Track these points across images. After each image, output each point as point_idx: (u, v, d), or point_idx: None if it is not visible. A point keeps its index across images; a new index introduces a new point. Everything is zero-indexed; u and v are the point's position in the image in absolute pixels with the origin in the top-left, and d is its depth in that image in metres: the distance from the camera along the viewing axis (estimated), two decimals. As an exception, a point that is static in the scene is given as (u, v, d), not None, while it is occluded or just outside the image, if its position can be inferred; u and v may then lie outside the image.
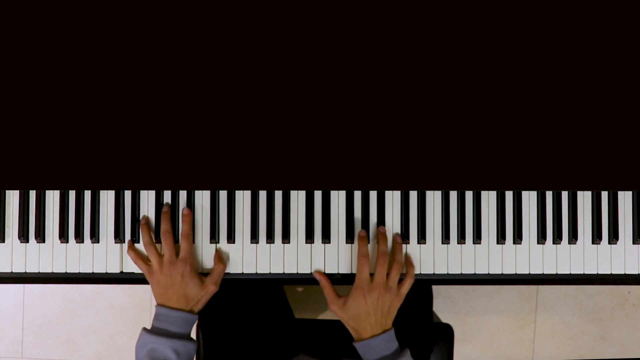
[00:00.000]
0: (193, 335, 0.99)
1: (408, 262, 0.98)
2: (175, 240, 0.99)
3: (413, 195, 1.00)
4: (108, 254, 1.00)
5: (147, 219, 0.99)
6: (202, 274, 0.98)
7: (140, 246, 1.00)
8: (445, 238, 1.00)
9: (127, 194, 1.01)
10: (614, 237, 1.00)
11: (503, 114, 0.90)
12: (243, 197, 1.01)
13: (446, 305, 1.73)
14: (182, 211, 0.99)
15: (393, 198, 1.00)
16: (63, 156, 0.90)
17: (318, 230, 1.00)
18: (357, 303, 0.93)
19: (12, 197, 1.01)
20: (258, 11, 0.88)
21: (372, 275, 0.95)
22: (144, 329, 0.93)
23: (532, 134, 0.90)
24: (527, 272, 1.00)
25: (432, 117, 0.90)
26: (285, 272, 1.00)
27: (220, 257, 0.99)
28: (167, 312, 0.93)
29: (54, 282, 1.02)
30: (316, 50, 0.89)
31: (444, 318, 1.71)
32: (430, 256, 1.00)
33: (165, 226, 0.97)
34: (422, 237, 0.99)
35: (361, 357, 0.93)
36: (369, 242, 0.99)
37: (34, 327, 1.79)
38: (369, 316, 0.92)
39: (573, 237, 1.00)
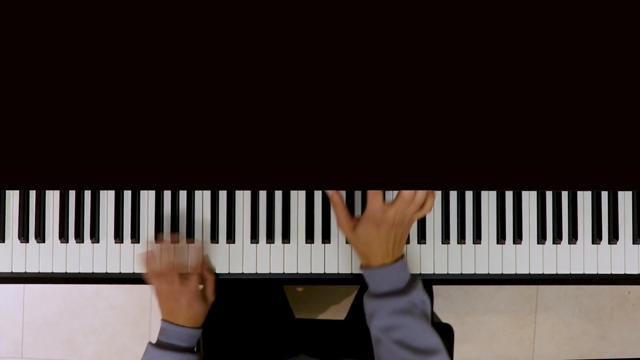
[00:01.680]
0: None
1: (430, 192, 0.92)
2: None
3: (413, 195, 1.00)
4: (108, 254, 1.00)
5: (153, 254, 0.97)
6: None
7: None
8: (445, 238, 1.00)
9: (127, 194, 1.01)
10: (614, 237, 1.00)
11: (503, 114, 0.90)
12: (243, 197, 1.01)
13: (446, 305, 1.73)
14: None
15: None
16: (63, 156, 0.90)
17: (318, 230, 1.00)
18: (368, 231, 0.88)
19: (12, 197, 1.01)
20: (258, 12, 0.88)
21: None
22: (150, 343, 0.94)
23: (532, 134, 0.90)
24: (527, 272, 1.00)
25: (432, 117, 0.90)
26: (285, 272, 1.00)
27: (208, 268, 0.99)
28: (173, 329, 0.94)
29: (54, 282, 1.02)
30: (316, 50, 0.89)
31: (444, 318, 1.71)
32: (430, 256, 1.00)
33: (166, 259, 0.96)
34: (422, 237, 0.99)
35: (367, 286, 0.89)
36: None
37: (34, 327, 1.79)
38: (380, 245, 0.88)
39: (573, 237, 1.00)
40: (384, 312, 0.86)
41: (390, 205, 0.89)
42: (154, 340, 0.95)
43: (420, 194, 0.91)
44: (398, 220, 0.88)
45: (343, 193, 1.00)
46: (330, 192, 0.95)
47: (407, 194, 0.89)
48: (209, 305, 0.99)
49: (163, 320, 0.96)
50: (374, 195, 0.90)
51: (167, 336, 0.94)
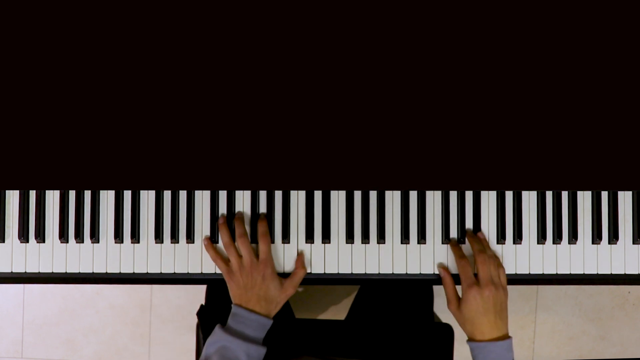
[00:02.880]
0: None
1: (494, 253, 0.97)
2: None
3: (413, 195, 1.00)
4: (108, 254, 1.00)
5: (224, 218, 0.99)
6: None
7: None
8: (445, 238, 1.00)
9: (127, 194, 1.01)
10: (614, 237, 1.00)
11: (503, 114, 0.90)
12: (243, 197, 1.01)
13: (446, 305, 1.73)
14: (259, 216, 0.99)
15: (393, 198, 1.00)
16: (63, 156, 0.90)
17: (318, 230, 1.00)
18: (470, 304, 0.91)
19: (12, 197, 1.01)
20: (258, 12, 0.88)
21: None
22: (220, 325, 0.92)
23: (532, 134, 0.90)
24: (527, 272, 1.00)
25: (432, 117, 0.90)
26: (286, 272, 1.00)
27: (303, 262, 0.98)
28: (245, 314, 0.92)
29: (54, 282, 1.02)
30: (316, 50, 0.89)
31: (444, 318, 1.71)
32: (430, 256, 1.00)
33: (240, 230, 0.97)
34: (422, 237, 0.99)
35: (472, 358, 0.92)
36: (368, 242, 0.99)
37: (34, 327, 1.79)
38: (483, 317, 0.91)
39: (573, 237, 1.00)
40: None
41: (478, 270, 0.93)
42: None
43: (487, 248, 0.97)
44: (490, 279, 0.92)
45: (343, 193, 1.00)
46: (443, 272, 0.98)
47: (479, 252, 0.95)
48: (286, 296, 0.96)
49: (234, 304, 0.94)
50: (463, 267, 0.94)
51: (237, 322, 0.92)
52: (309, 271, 1.00)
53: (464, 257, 0.95)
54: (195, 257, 1.00)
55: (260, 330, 0.93)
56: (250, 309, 0.93)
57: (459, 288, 0.96)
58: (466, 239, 0.98)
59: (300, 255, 0.99)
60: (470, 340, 0.92)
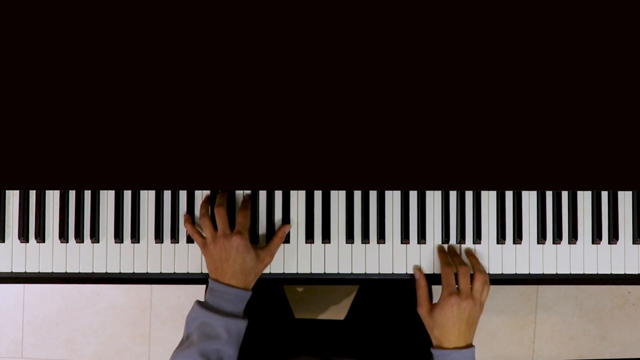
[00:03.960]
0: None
1: (483, 270, 0.97)
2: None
3: (413, 195, 1.00)
4: (108, 254, 1.00)
5: (208, 197, 0.99)
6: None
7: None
8: (445, 238, 1.00)
9: (127, 194, 1.01)
10: (614, 237, 1.00)
11: (503, 114, 0.90)
12: (243, 197, 1.01)
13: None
14: (243, 197, 0.99)
15: (393, 198, 1.00)
16: (63, 156, 0.90)
17: (318, 230, 1.00)
18: (445, 312, 0.92)
19: (12, 197, 1.01)
20: (258, 12, 0.88)
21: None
22: (197, 301, 0.92)
23: (532, 134, 0.90)
24: (527, 272, 1.00)
25: (432, 117, 0.90)
26: (286, 272, 1.00)
27: (282, 234, 0.98)
28: (220, 288, 0.91)
29: (54, 282, 1.02)
30: (316, 50, 0.89)
31: (444, 318, 1.71)
32: (430, 256, 1.00)
33: (219, 200, 0.96)
34: (422, 237, 0.99)
35: None
36: (368, 242, 0.99)
37: (34, 327, 1.79)
38: (454, 326, 0.92)
39: (573, 237, 1.00)
40: None
41: (459, 281, 0.94)
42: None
43: (476, 263, 0.97)
44: (470, 292, 0.93)
45: (343, 193, 1.00)
46: (418, 274, 0.98)
47: (461, 264, 0.96)
48: (264, 265, 0.95)
49: (211, 278, 0.94)
50: (447, 274, 0.95)
51: (214, 296, 0.91)
52: (309, 271, 1.00)
53: (450, 265, 0.96)
54: (195, 257, 1.00)
55: (239, 303, 0.92)
56: (227, 282, 0.92)
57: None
58: (465, 256, 0.99)
59: (284, 226, 0.99)
60: (436, 347, 0.93)
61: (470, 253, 0.99)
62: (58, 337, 1.79)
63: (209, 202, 0.99)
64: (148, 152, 0.90)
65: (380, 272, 1.00)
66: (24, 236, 1.00)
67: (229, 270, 0.92)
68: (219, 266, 0.93)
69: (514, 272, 1.00)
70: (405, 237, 0.99)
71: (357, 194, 1.00)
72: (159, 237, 1.00)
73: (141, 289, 1.77)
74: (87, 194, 1.01)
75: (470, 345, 0.93)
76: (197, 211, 1.00)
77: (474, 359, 0.94)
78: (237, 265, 0.92)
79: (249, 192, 1.00)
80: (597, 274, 1.00)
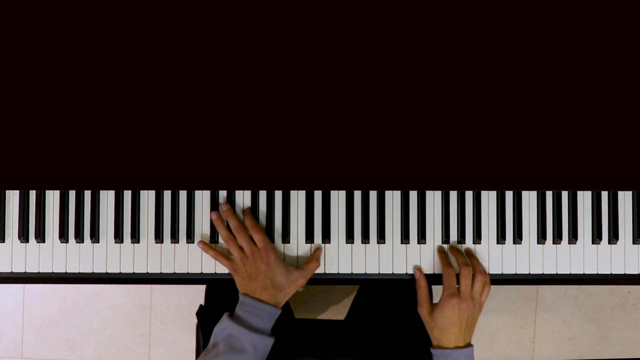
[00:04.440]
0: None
1: (484, 270, 0.97)
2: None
3: (413, 195, 1.00)
4: (108, 254, 1.00)
5: (217, 214, 0.99)
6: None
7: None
8: (445, 238, 1.00)
9: (127, 194, 1.01)
10: (614, 237, 1.00)
11: (503, 114, 0.90)
12: (243, 197, 1.01)
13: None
14: (244, 211, 0.99)
15: (393, 198, 1.00)
16: (63, 156, 0.90)
17: (318, 230, 1.00)
18: (446, 313, 0.93)
19: (12, 197, 1.01)
20: (257, 12, 0.88)
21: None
22: (228, 314, 0.92)
23: (532, 133, 0.90)
24: (527, 272, 1.00)
25: (432, 117, 0.90)
26: (285, 272, 1.00)
27: (318, 256, 0.98)
28: (251, 303, 0.92)
29: (54, 282, 1.02)
30: (316, 50, 0.89)
31: (444, 318, 1.71)
32: (430, 256, 1.00)
33: (234, 222, 0.97)
34: (422, 237, 0.99)
35: None
36: (368, 242, 0.99)
37: (34, 327, 1.79)
38: (454, 327, 0.93)
39: (573, 237, 1.00)
40: None
41: (460, 282, 0.95)
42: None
43: (477, 264, 0.97)
44: (470, 293, 0.94)
45: (343, 193, 1.00)
46: (418, 274, 0.98)
47: (464, 264, 0.96)
48: (296, 284, 0.95)
49: (241, 294, 0.94)
50: (449, 275, 0.95)
51: (245, 311, 0.92)
52: (309, 271, 1.00)
53: (451, 266, 0.96)
54: (195, 257, 1.00)
55: (268, 319, 0.92)
56: (257, 297, 0.92)
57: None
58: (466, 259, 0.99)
59: (318, 249, 0.99)
60: (436, 347, 0.94)
61: (470, 253, 0.99)
62: (58, 337, 1.79)
63: (223, 222, 0.98)
64: (148, 152, 0.90)
65: (380, 272, 1.00)
66: (24, 236, 1.00)
67: (260, 285, 0.93)
68: (249, 283, 0.93)
69: (514, 272, 1.00)
70: (405, 237, 0.99)
71: (357, 194, 1.00)
72: (159, 237, 1.00)
73: (141, 289, 1.77)
74: (87, 194, 1.01)
75: (469, 345, 0.94)
76: (197, 211, 1.00)
77: (473, 358, 0.94)
78: (268, 280, 0.93)
79: (248, 197, 1.00)
80: (597, 274, 1.00)
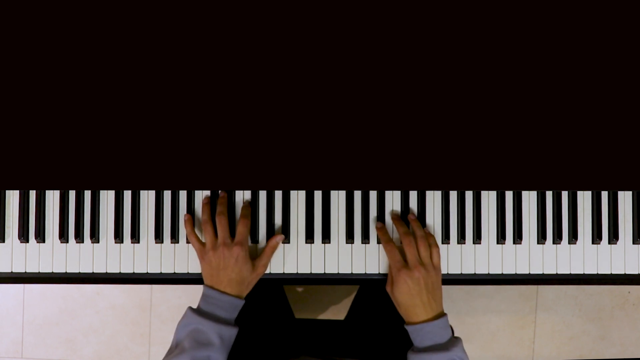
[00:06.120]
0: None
1: (427, 233, 0.97)
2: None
3: (413, 195, 1.00)
4: (108, 254, 1.00)
5: (208, 198, 0.99)
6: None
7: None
8: (445, 238, 1.00)
9: (127, 194, 1.01)
10: (614, 237, 1.00)
11: (503, 114, 0.90)
12: (243, 197, 1.01)
13: (446, 305, 1.73)
14: (244, 201, 0.99)
15: (393, 198, 1.00)
16: (63, 156, 0.90)
17: (318, 230, 1.00)
18: (400, 288, 0.91)
19: (12, 197, 1.01)
20: (257, 12, 0.88)
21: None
22: (190, 308, 0.92)
23: (532, 134, 0.90)
24: (527, 272, 1.00)
25: (432, 117, 0.90)
26: (285, 272, 1.00)
27: (276, 243, 0.98)
28: (216, 295, 0.92)
29: (54, 282, 1.02)
30: (316, 50, 0.89)
31: (444, 318, 1.71)
32: (430, 256, 1.00)
33: (221, 208, 0.96)
34: (422, 237, 0.99)
35: (412, 341, 0.92)
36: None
37: (34, 327, 1.79)
38: (414, 298, 0.90)
39: (573, 237, 1.00)
40: None
41: (405, 252, 0.93)
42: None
43: (416, 229, 0.96)
44: (417, 260, 0.92)
45: (343, 193, 1.00)
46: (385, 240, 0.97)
47: (405, 234, 0.94)
48: (257, 275, 0.96)
49: (205, 285, 0.94)
50: (389, 251, 0.94)
51: (209, 303, 0.92)
52: (309, 271, 1.00)
53: (390, 241, 0.95)
54: (195, 257, 1.00)
55: (232, 310, 0.92)
56: (222, 290, 0.92)
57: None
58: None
59: (275, 236, 0.98)
60: (407, 323, 0.92)
61: (412, 219, 0.98)
62: (58, 337, 1.79)
63: (209, 205, 0.98)
64: (148, 152, 0.90)
65: (380, 272, 1.00)
66: (24, 236, 1.00)
67: (225, 278, 0.92)
68: (215, 274, 0.93)
69: (514, 272, 1.00)
70: (405, 237, 0.99)
71: (357, 194, 1.00)
72: (159, 237, 1.00)
73: (141, 289, 1.77)
74: (87, 194, 1.01)
75: (442, 314, 0.92)
76: (197, 212, 1.00)
77: (449, 327, 0.92)
78: (234, 275, 0.93)
79: (248, 198, 1.00)
80: (597, 274, 1.00)
